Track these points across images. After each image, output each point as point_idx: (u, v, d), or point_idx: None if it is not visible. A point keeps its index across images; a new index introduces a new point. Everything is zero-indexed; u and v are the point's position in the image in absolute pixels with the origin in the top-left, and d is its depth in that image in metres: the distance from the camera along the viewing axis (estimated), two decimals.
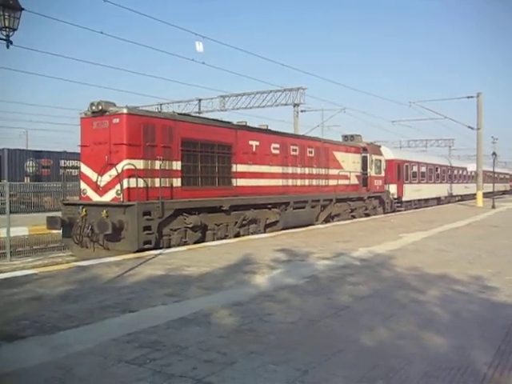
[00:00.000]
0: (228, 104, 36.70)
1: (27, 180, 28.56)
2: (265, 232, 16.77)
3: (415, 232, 16.01)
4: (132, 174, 12.42)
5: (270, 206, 16.97)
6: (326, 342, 5.29)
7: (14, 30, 5.08)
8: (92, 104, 12.91)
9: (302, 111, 34.70)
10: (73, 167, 31.35)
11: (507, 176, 59.85)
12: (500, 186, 50.34)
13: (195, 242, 13.88)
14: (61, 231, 13.89)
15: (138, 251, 12.12)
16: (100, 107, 12.73)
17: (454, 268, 9.46)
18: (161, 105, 38.79)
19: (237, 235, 15.59)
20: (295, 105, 34.47)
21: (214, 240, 14.50)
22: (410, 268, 9.56)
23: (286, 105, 34.62)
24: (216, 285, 8.15)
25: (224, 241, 14.17)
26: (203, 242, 14.15)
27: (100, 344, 5.20)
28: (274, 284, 8.18)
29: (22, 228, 18.00)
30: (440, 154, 48.81)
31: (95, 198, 13.09)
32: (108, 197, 12.82)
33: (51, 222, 13.24)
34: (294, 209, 18.09)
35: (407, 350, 5.01)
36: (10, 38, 5.11)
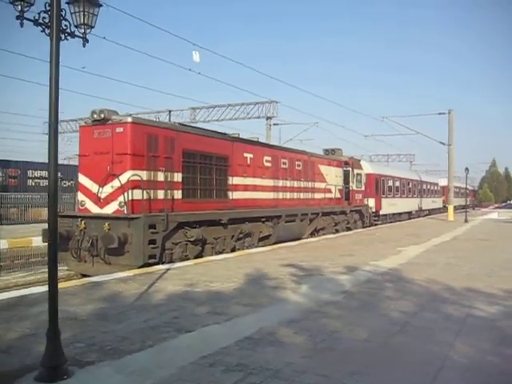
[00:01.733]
0: (199, 116, 36.34)
1: None
2: (258, 246, 16.49)
3: (409, 246, 16.12)
4: (136, 185, 11.96)
5: (263, 220, 16.73)
6: (418, 359, 5.11)
7: (92, 27, 4.70)
8: (94, 112, 12.37)
9: (274, 124, 34.78)
10: (41, 177, 30.24)
11: (466, 191, 61.75)
12: (460, 201, 51.87)
13: (195, 257, 13.47)
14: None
15: (141, 266, 11.64)
16: (102, 115, 12.21)
17: (480, 282, 9.49)
18: (130, 115, 37.85)
19: (233, 249, 15.25)
20: (268, 118, 34.48)
21: (212, 254, 14.12)
22: (434, 282, 9.51)
23: (258, 118, 34.59)
24: (253, 301, 7.84)
25: (225, 255, 13.81)
26: (201, 256, 13.75)
27: (183, 368, 4.83)
28: (313, 300, 7.94)
29: (1, 241, 17.05)
30: (410, 169, 49.92)
31: (95, 210, 12.49)
32: (110, 209, 12.26)
33: (46, 235, 12.49)
34: (285, 222, 17.92)
35: (503, 366, 4.89)
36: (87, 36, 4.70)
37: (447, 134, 31.02)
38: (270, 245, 16.70)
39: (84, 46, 4.85)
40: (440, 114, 31.14)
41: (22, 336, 5.92)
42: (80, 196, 12.83)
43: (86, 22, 4.72)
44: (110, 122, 12.27)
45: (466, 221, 29.63)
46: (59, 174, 24.76)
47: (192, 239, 13.31)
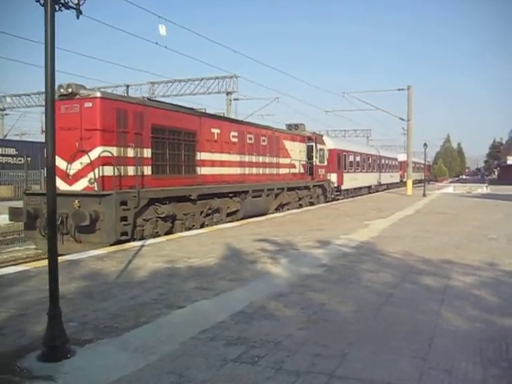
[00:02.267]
0: (158, 90, 35.68)
1: None
2: (225, 221, 16.52)
3: (376, 220, 16.51)
4: (107, 161, 11.73)
5: (231, 195, 16.74)
6: (409, 327, 5.30)
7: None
8: (60, 86, 11.95)
9: (235, 99, 34.54)
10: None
11: (422, 166, 63.38)
12: (417, 175, 53.26)
13: (165, 233, 13.40)
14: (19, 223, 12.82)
15: (113, 243, 11.51)
16: (70, 90, 11.84)
17: (450, 254, 9.87)
18: (99, 89, 36.78)
19: (202, 225, 15.24)
20: (228, 93, 34.21)
21: (181, 230, 14.07)
22: (408, 254, 9.82)
23: (218, 93, 34.27)
24: (237, 276, 7.90)
25: (197, 231, 13.80)
26: (171, 232, 13.69)
27: (184, 343, 4.86)
28: (295, 274, 8.07)
29: None
30: (368, 145, 50.71)
31: (63, 187, 12.18)
32: (79, 186, 12.01)
33: (15, 214, 12.18)
34: (252, 197, 18.00)
35: (491, 332, 5.14)
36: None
37: (406, 110, 31.67)
38: (237, 220, 16.76)
39: (78, 17, 4.69)
40: (399, 89, 31.69)
41: (10, 317, 5.79)
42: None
43: None
44: (77, 96, 11.92)
45: (424, 195, 30.50)
46: (14, 151, 23.93)
47: (163, 215, 13.22)
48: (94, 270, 8.45)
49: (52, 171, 4.60)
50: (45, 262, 9.08)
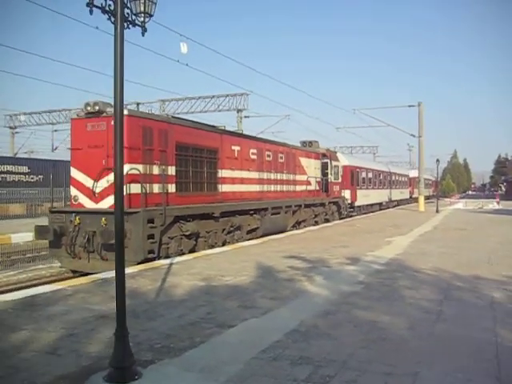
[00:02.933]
0: (169, 108, 35.84)
1: None
2: (245, 239, 16.44)
3: (396, 236, 16.42)
4: (134, 179, 11.71)
5: (251, 213, 16.69)
6: (471, 345, 5.22)
7: (151, 16, 4.56)
8: (87, 104, 12.02)
9: (245, 117, 34.66)
10: (7, 172, 29.27)
11: (430, 182, 63.46)
12: (425, 192, 52.87)
13: (189, 251, 13.33)
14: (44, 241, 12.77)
15: (140, 262, 11.44)
16: (97, 107, 11.88)
17: (483, 270, 9.78)
18: (125, 107, 36.96)
19: (223, 243, 15.17)
20: (239, 110, 34.35)
21: (204, 248, 13.99)
22: (441, 271, 9.74)
23: (229, 110, 34.42)
24: (277, 294, 7.82)
25: (221, 249, 13.72)
26: (194, 250, 13.62)
27: (249, 364, 4.78)
28: (335, 291, 8.00)
29: None
30: (375, 161, 50.73)
31: (89, 205, 12.17)
32: (105, 204, 11.95)
33: (41, 232, 12.11)
34: (271, 215, 17.94)
35: None
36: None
37: (417, 126, 31.73)
38: (256, 238, 16.68)
39: (143, 35, 4.70)
40: (410, 106, 31.81)
41: (60, 337, 5.71)
42: (73, 191, 12.46)
43: (145, 10, 4.56)
44: (104, 114, 11.94)
45: (437, 211, 30.38)
46: (26, 169, 24.01)
47: (187, 233, 13.16)
48: (131, 289, 8.34)
49: (120, 190, 4.56)
50: (79, 281, 9.07)
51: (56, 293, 8.11)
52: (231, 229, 15.49)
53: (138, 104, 36.65)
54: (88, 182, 12.12)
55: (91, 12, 4.20)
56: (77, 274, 12.62)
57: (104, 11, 4.20)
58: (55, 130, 39.21)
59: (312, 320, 6.29)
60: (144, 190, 11.93)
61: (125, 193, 11.32)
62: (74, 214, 12.03)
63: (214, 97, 34.86)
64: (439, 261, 11.06)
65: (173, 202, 13.01)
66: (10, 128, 40.13)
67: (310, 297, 7.71)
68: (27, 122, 39.40)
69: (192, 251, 13.39)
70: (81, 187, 12.27)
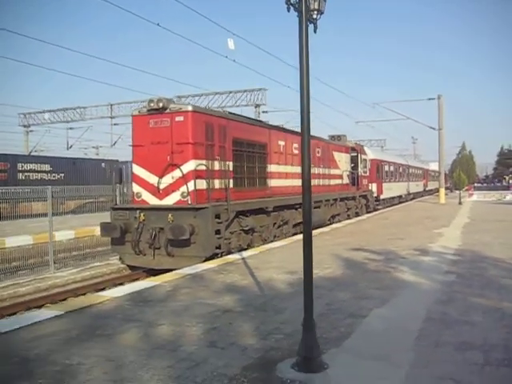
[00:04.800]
0: None
1: None
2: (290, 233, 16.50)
3: (441, 228, 16.55)
4: (200, 174, 11.76)
5: (297, 207, 16.75)
6: None
7: (322, 13, 4.61)
8: (151, 101, 12.04)
9: (263, 112, 34.66)
10: (32, 171, 29.20)
11: (438, 174, 63.29)
12: (435, 184, 53.05)
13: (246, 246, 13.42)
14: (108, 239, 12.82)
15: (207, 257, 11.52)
16: (161, 104, 11.90)
17: None
18: (111, 105, 37.04)
19: (274, 237, 15.24)
20: (257, 105, 34.35)
21: (259, 242, 14.06)
22: None
23: (247, 105, 34.38)
24: (379, 285, 7.90)
25: (279, 243, 13.77)
26: (250, 245, 13.68)
27: (417, 351, 4.86)
28: (433, 281, 8.11)
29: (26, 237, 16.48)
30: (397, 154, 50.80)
31: (153, 201, 12.20)
32: (170, 200, 12.00)
33: (107, 229, 12.14)
34: (313, 208, 18.01)
35: None
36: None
37: (437, 119, 31.84)
38: (301, 232, 16.71)
39: (315, 31, 4.76)
40: (429, 99, 31.92)
41: (206, 330, 5.78)
42: (135, 187, 12.48)
43: (319, 7, 4.62)
44: (167, 110, 11.96)
45: (460, 203, 30.54)
46: (48, 167, 23.99)
47: (246, 228, 13.24)
48: (227, 284, 8.42)
49: (308, 189, 4.60)
50: (167, 277, 9.11)
51: (156, 288, 8.16)
52: (281, 223, 15.56)
53: None
54: (151, 178, 12.15)
55: (288, 9, 4.28)
56: (137, 270, 12.69)
57: (295, 9, 4.28)
58: (70, 128, 39.18)
59: (437, 308, 6.40)
60: (208, 186, 11.98)
61: (191, 189, 11.46)
62: (138, 211, 12.05)
63: (231, 92, 34.84)
64: (507, 251, 11.16)
65: (231, 197, 13.06)
66: (24, 126, 40.02)
67: (414, 286, 7.80)
68: (41, 120, 39.28)
69: (248, 246, 13.46)
70: (144, 184, 12.29)
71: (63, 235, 17.72)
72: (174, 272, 9.69)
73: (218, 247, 11.93)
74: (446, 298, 6.99)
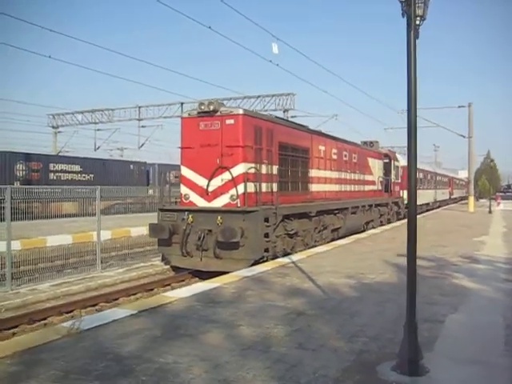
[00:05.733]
0: None
1: (17, 184, 26.39)
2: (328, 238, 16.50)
3: (481, 236, 16.47)
4: (249, 177, 11.81)
5: (336, 212, 16.76)
6: None
7: (424, 19, 4.63)
8: (202, 104, 12.16)
9: (292, 117, 34.63)
10: (62, 171, 29.56)
11: (463, 183, 63.04)
12: (460, 192, 52.83)
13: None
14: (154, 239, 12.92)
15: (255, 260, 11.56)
16: (212, 107, 11.99)
17: None
18: (139, 107, 37.37)
19: (315, 241, 15.24)
20: (285, 110, 34.39)
21: (301, 247, 14.07)
22: None
23: (275, 110, 34.39)
24: (443, 291, 7.93)
25: (322, 247, 13.82)
26: (293, 249, 13.69)
27: None
28: (496, 289, 8.12)
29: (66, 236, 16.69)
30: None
31: (201, 203, 12.28)
32: (219, 202, 12.08)
33: (156, 230, 12.23)
34: (350, 214, 18.02)
35: None
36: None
37: (467, 127, 31.64)
38: (339, 238, 16.74)
39: (417, 37, 4.77)
40: (460, 107, 31.75)
41: (289, 332, 5.81)
42: (183, 189, 12.57)
43: (423, 14, 4.64)
44: (218, 113, 12.05)
45: (490, 212, 30.24)
46: (78, 168, 24.15)
47: (292, 232, 13.27)
48: (288, 286, 8.44)
49: (414, 189, 4.61)
50: (225, 279, 9.14)
51: (220, 290, 8.21)
52: (321, 228, 15.57)
53: (182, 104, 36.87)
54: (200, 180, 12.24)
55: (403, 15, 4.32)
56: (182, 272, 12.75)
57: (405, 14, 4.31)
58: (98, 130, 39.59)
59: None
60: (257, 189, 12.03)
61: (240, 191, 11.52)
62: (186, 213, 12.13)
63: (259, 96, 34.93)
64: None
65: (275, 201, 13.10)
66: (53, 128, 40.54)
67: (478, 294, 7.81)
68: (69, 122, 39.77)
69: (291, 250, 13.47)
70: (192, 186, 12.38)
71: (101, 235, 17.85)
72: (231, 274, 9.74)
73: (266, 250, 11.95)
74: None
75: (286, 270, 10.04)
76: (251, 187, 11.87)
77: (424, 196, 33.21)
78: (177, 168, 42.87)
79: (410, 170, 4.62)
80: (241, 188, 11.75)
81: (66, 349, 5.19)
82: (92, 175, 31.22)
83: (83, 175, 30.81)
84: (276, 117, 14.62)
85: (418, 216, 18.94)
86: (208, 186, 12.12)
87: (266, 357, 4.94)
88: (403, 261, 10.72)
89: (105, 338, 5.58)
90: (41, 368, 4.63)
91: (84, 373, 4.53)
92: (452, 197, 49.51)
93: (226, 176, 11.94)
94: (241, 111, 12.12)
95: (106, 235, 18.39)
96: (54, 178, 28.86)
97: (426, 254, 12.12)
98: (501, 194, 78.56)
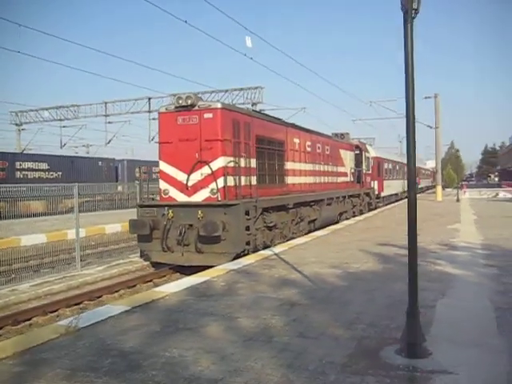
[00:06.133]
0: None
1: None
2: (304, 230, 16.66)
3: (455, 224, 16.92)
4: (229, 171, 11.83)
5: (312, 204, 16.93)
6: None
7: (417, 12, 4.74)
8: (179, 98, 12.08)
9: (260, 110, 34.58)
10: (30, 169, 28.89)
11: (428, 172, 64.45)
12: (426, 182, 53.85)
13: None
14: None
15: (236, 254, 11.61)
16: (189, 101, 11.93)
17: None
18: (106, 103, 36.75)
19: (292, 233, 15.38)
20: (253, 104, 34.35)
21: (280, 239, 14.18)
22: None
23: (243, 104, 34.33)
24: (428, 278, 8.07)
25: (303, 239, 13.94)
26: (271, 241, 13.79)
27: None
28: (479, 274, 8.37)
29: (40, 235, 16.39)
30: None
31: (181, 198, 12.23)
32: (199, 197, 12.05)
33: (137, 226, 12.11)
34: (326, 205, 18.23)
35: None
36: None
37: (434, 118, 32.33)
38: (315, 229, 16.93)
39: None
40: (426, 97, 32.36)
41: (287, 322, 5.89)
42: (162, 184, 12.48)
43: (417, 7, 4.74)
44: (196, 107, 12.00)
45: (457, 200, 31.02)
46: (46, 166, 23.65)
47: (271, 224, 13.35)
48: (277, 278, 8.52)
49: (413, 184, 4.72)
50: (213, 273, 9.16)
51: (209, 283, 8.23)
52: (298, 220, 15.71)
53: (149, 99, 36.46)
54: (179, 175, 12.18)
55: (402, 9, 4.43)
56: (163, 268, 12.70)
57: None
58: (64, 126, 38.76)
59: (500, 298, 6.62)
60: (236, 183, 12.06)
61: (220, 185, 11.54)
62: (166, 208, 12.06)
63: (227, 91, 34.84)
64: None
65: (254, 194, 13.15)
66: (16, 125, 39.50)
67: (462, 279, 8.05)
68: (33, 119, 38.82)
69: (270, 242, 13.56)
70: (171, 181, 12.31)
71: (75, 233, 17.59)
72: (217, 268, 9.77)
73: (247, 243, 12.01)
74: (502, 288, 7.21)
75: (270, 262, 10.12)
76: (231, 181, 11.89)
77: (393, 186, 33.83)
78: (145, 164, 42.41)
79: (409, 166, 4.77)
80: (221, 182, 11.76)
81: (67, 347, 5.14)
82: (60, 173, 30.61)
83: (51, 173, 30.18)
84: (253, 110, 14.63)
85: (388, 206, 19.71)
86: (187, 180, 12.08)
87: (269, 347, 5.00)
88: (383, 250, 11.09)
89: (104, 334, 5.54)
90: (46, 367, 4.59)
91: (91, 370, 4.50)
92: (419, 187, 50.45)
93: (206, 170, 11.92)
94: (219, 105, 12.11)
95: (80, 233, 18.13)
96: (21, 176, 28.18)
97: (404, 242, 12.08)
98: (464, 182, 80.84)
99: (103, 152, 40.76)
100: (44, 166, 29.87)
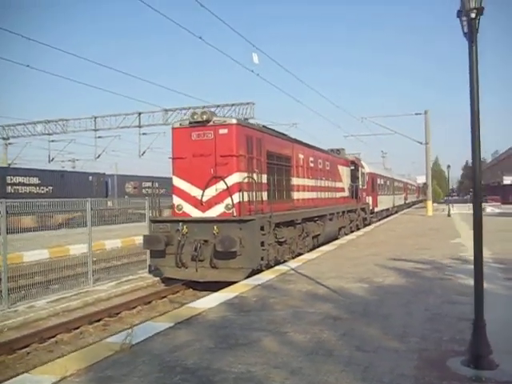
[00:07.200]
0: (172, 118, 35.63)
1: None
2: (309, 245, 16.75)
3: (456, 238, 17.17)
4: (244, 187, 11.89)
5: (316, 219, 17.04)
6: None
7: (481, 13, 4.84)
8: (195, 113, 12.14)
9: None
10: (20, 184, 28.54)
11: (414, 187, 65.22)
12: (412, 197, 54.50)
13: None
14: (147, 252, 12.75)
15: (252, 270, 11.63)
16: (205, 117, 11.99)
17: None
18: (95, 117, 36.54)
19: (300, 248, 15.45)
20: (245, 119, 34.53)
21: (288, 254, 14.23)
22: None
23: None
24: (455, 291, 8.24)
25: (311, 254, 14.08)
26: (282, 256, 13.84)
27: None
28: (504, 287, 8.51)
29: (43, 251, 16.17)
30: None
31: (195, 213, 12.21)
32: (214, 212, 12.05)
33: (151, 242, 12.05)
34: (328, 221, 18.35)
35: None
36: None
37: (424, 134, 32.82)
38: (319, 245, 17.03)
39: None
40: (417, 114, 32.90)
41: (339, 337, 5.94)
42: (176, 200, 12.46)
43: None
44: (211, 123, 12.07)
45: (449, 215, 31.46)
46: (37, 180, 23.39)
47: (282, 240, 13.41)
48: (304, 293, 8.58)
49: (479, 189, 4.85)
50: (240, 288, 9.17)
51: (241, 299, 8.26)
52: (305, 235, 15.80)
53: (139, 113, 36.40)
54: (193, 190, 12.18)
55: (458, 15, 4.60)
56: (174, 283, 12.62)
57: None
58: (52, 141, 38.34)
59: None
60: (251, 198, 12.11)
61: (236, 201, 11.59)
62: (181, 224, 12.04)
63: (219, 106, 34.95)
64: None
65: (266, 209, 13.21)
66: (3, 139, 38.98)
67: (491, 292, 8.10)
68: (21, 133, 38.36)
69: (281, 257, 13.61)
70: (185, 196, 12.30)
71: (76, 248, 17.44)
72: (241, 283, 9.82)
73: (261, 259, 12.03)
74: None
75: (291, 278, 10.18)
76: (246, 196, 11.93)
77: (385, 202, 34.21)
78: (136, 179, 42.04)
79: (475, 180, 4.86)
80: (236, 197, 11.80)
81: (127, 364, 5.12)
82: (51, 187, 30.33)
83: (42, 188, 29.87)
84: (264, 126, 14.75)
85: (382, 221, 19.89)
86: (202, 195, 12.08)
87: (333, 360, 5.05)
88: (397, 264, 11.24)
89: (159, 351, 5.53)
90: None
91: None
92: (406, 202, 51.11)
93: (221, 185, 11.95)
94: (234, 121, 12.20)
95: (82, 249, 17.92)
96: (12, 191, 27.82)
97: (415, 257, 12.59)
98: (447, 197, 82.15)
99: (89, 167, 40.31)
100: (35, 180, 29.56)
